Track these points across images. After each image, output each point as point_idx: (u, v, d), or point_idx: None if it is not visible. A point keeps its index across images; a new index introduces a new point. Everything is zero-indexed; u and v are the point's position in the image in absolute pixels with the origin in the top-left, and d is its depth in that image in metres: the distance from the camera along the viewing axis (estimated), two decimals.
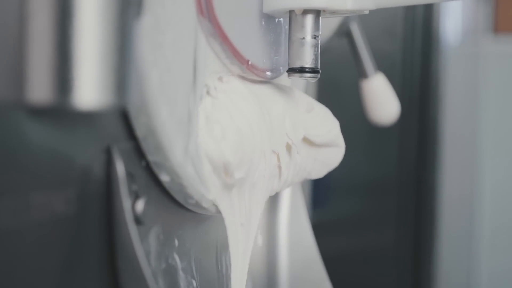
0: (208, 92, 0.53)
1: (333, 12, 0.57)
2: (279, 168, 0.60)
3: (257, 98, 0.57)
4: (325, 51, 0.57)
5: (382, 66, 1.00)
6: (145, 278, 0.48)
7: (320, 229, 0.86)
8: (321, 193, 1.41)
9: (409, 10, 1.55)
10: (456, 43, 1.78)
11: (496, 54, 2.12)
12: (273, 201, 0.78)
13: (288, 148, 0.61)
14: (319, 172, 0.68)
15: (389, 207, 1.59)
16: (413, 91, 1.59)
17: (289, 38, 0.57)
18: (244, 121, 0.54)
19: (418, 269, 1.63)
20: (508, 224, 2.04)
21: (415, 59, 1.59)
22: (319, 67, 0.57)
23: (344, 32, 0.94)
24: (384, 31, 1.51)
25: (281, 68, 0.61)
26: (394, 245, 1.61)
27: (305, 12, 0.56)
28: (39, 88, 0.38)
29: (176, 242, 0.55)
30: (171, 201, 0.54)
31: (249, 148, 0.55)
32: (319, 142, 0.64)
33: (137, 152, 0.49)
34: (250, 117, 0.55)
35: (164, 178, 0.51)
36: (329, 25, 0.89)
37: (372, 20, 0.91)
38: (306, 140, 0.63)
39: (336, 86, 1.42)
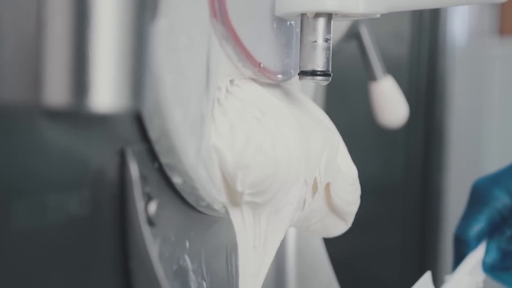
0: (227, 96, 0.53)
1: (345, 16, 0.58)
2: (304, 201, 0.58)
3: (296, 120, 0.56)
4: (333, 54, 0.58)
5: (389, 68, 1.01)
6: (158, 280, 0.48)
7: None
8: None
9: (416, 13, 1.56)
10: (462, 45, 1.78)
11: (501, 56, 2.12)
12: None
13: (314, 186, 0.59)
14: (315, 232, 0.65)
15: (395, 209, 1.59)
16: (420, 93, 1.59)
17: (301, 41, 0.57)
18: (284, 145, 0.53)
19: (424, 271, 1.63)
20: None
21: (422, 61, 1.59)
22: (330, 70, 0.57)
23: (353, 34, 0.94)
24: (391, 34, 1.51)
25: (292, 71, 0.61)
26: (400, 247, 1.61)
27: (317, 15, 0.56)
28: (56, 91, 0.39)
29: (187, 244, 0.55)
30: (183, 203, 0.54)
31: (282, 173, 0.53)
32: (339, 205, 0.62)
33: (150, 154, 0.50)
34: (292, 143, 0.54)
35: (177, 180, 0.51)
36: (338, 28, 0.89)
37: (379, 22, 0.91)
38: (327, 192, 0.61)
39: (344, 89, 1.42)
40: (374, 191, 1.58)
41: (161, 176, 0.51)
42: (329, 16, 0.57)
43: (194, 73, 0.50)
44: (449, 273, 0.78)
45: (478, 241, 0.76)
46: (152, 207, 0.49)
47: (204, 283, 0.58)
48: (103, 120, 0.45)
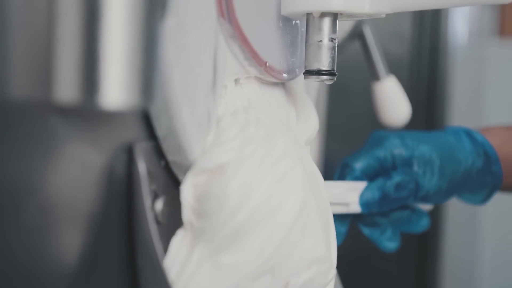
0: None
1: (350, 15, 0.58)
2: None
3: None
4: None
5: (390, 68, 1.01)
6: (165, 276, 0.48)
7: None
8: None
9: (417, 13, 1.56)
10: (463, 46, 1.79)
11: (502, 57, 2.12)
12: None
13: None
14: None
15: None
16: (420, 93, 1.59)
17: (306, 41, 0.57)
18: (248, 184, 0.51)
19: (422, 269, 1.64)
20: (510, 225, 2.04)
21: (423, 61, 1.59)
22: (335, 69, 0.57)
23: (357, 34, 0.94)
24: (393, 34, 1.52)
25: (297, 70, 0.62)
26: (399, 247, 1.61)
27: (323, 15, 0.57)
28: (67, 88, 0.39)
29: None
30: None
31: (232, 204, 0.50)
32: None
33: (157, 152, 0.50)
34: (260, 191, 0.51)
35: (183, 178, 0.51)
36: (342, 28, 0.89)
37: (380, 22, 0.92)
38: None
39: (346, 88, 1.42)
40: None
41: (168, 173, 0.51)
42: (334, 16, 0.57)
43: (202, 71, 0.50)
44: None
45: (363, 175, 0.75)
46: (159, 204, 0.49)
47: None
48: (112, 117, 0.46)
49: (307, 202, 0.53)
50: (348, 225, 0.76)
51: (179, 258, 0.50)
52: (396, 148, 0.76)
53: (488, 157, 0.80)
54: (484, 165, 0.80)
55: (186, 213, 0.50)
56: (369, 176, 0.75)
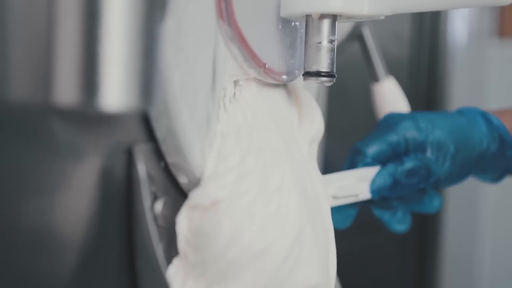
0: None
1: (349, 17, 0.58)
2: None
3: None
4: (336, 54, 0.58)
5: (389, 69, 1.01)
6: (164, 278, 0.48)
7: None
8: None
9: (416, 14, 1.56)
10: (462, 47, 1.79)
11: (501, 58, 2.12)
12: None
13: None
14: None
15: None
16: (420, 94, 1.59)
17: (306, 42, 0.58)
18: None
19: (422, 269, 1.64)
20: (510, 225, 2.04)
21: (422, 62, 1.59)
22: (335, 71, 0.58)
23: (356, 36, 0.95)
24: (392, 35, 1.52)
25: (296, 71, 0.62)
26: (398, 246, 1.62)
27: (322, 16, 0.57)
28: (66, 90, 0.39)
29: None
30: None
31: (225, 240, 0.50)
32: None
33: (156, 153, 0.50)
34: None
35: (182, 179, 0.51)
36: (341, 29, 0.90)
37: (379, 23, 0.92)
38: None
39: (346, 89, 1.43)
40: None
41: (167, 175, 0.51)
42: (334, 18, 0.57)
43: (201, 73, 0.50)
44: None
45: (375, 160, 0.74)
46: (158, 206, 0.49)
47: None
48: (111, 119, 0.46)
49: (302, 233, 0.53)
50: (358, 208, 0.75)
51: None
52: (409, 132, 0.74)
53: (503, 141, 0.78)
54: (498, 149, 0.78)
55: (181, 244, 0.50)
56: (380, 161, 0.74)
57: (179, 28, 0.47)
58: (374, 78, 0.95)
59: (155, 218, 0.49)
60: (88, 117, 0.44)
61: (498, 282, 2.05)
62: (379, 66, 0.96)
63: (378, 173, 0.72)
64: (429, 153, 0.74)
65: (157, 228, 0.48)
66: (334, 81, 0.58)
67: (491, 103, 2.08)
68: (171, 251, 0.51)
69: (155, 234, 0.48)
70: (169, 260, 0.51)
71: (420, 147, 0.74)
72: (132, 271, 0.49)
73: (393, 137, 0.74)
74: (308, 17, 0.57)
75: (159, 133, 0.49)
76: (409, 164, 0.73)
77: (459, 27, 1.74)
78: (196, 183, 0.52)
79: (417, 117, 0.76)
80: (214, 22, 0.52)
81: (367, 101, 1.00)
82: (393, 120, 0.76)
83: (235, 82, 0.56)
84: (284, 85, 0.63)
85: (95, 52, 0.39)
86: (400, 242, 1.62)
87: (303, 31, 0.60)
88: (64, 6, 0.39)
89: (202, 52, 0.50)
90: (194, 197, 0.50)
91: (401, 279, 1.64)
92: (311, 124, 0.64)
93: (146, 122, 0.49)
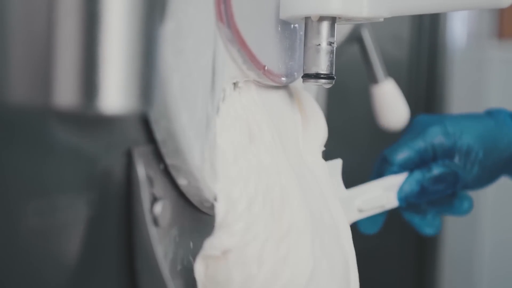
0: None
1: (348, 19, 0.58)
2: None
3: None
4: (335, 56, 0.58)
5: (389, 70, 1.01)
6: (163, 280, 0.48)
7: None
8: None
9: (416, 16, 1.56)
10: (462, 48, 1.79)
11: (500, 59, 2.12)
12: None
13: None
14: None
15: (394, 211, 1.60)
16: (419, 95, 1.59)
17: (305, 45, 0.58)
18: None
19: (421, 271, 1.64)
20: (510, 225, 2.04)
21: (421, 64, 1.59)
22: (334, 73, 0.58)
23: (355, 38, 0.95)
24: (391, 36, 1.52)
25: (295, 73, 0.62)
26: (397, 247, 1.62)
27: (321, 19, 0.57)
28: (66, 92, 0.39)
29: (191, 245, 0.56)
30: (187, 204, 0.54)
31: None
32: None
33: (156, 155, 0.50)
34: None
35: (182, 181, 0.52)
36: (341, 31, 0.90)
37: (379, 25, 0.92)
38: None
39: (345, 91, 1.43)
40: None
41: (167, 177, 0.51)
42: (333, 20, 0.57)
43: (200, 75, 0.50)
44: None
45: (402, 168, 0.74)
46: (158, 207, 0.49)
47: None
48: (111, 122, 0.46)
49: (317, 270, 0.53)
50: (386, 212, 0.75)
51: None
52: (437, 137, 0.74)
53: None
54: None
55: None
56: (408, 168, 0.74)
57: (179, 30, 0.47)
58: (373, 80, 0.96)
59: (154, 220, 0.49)
60: (87, 119, 0.44)
61: (498, 282, 2.05)
62: (378, 68, 0.96)
63: (405, 181, 0.73)
64: (457, 159, 0.74)
65: (157, 230, 0.48)
66: (333, 83, 0.58)
67: (491, 104, 2.08)
68: (171, 253, 0.51)
69: (155, 236, 0.48)
70: (168, 262, 0.51)
71: (448, 153, 0.74)
72: (132, 273, 0.49)
73: (421, 144, 0.74)
74: (307, 19, 0.57)
75: (159, 135, 0.49)
76: (436, 170, 0.73)
77: (459, 28, 1.75)
78: (195, 185, 0.52)
79: (446, 121, 0.76)
80: (214, 25, 0.52)
81: (366, 103, 1.00)
82: (421, 124, 0.76)
83: (235, 84, 0.56)
84: (284, 88, 0.63)
85: (94, 54, 0.39)
86: (399, 242, 1.62)
87: (302, 33, 0.60)
88: (64, 8, 0.39)
89: (201, 54, 0.50)
90: (207, 247, 0.51)
91: (400, 279, 1.64)
92: (318, 131, 0.63)
93: (145, 124, 0.49)
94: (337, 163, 0.68)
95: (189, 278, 0.55)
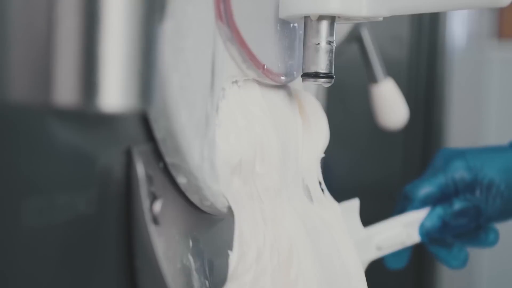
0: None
1: (347, 19, 0.58)
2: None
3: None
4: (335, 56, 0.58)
5: (389, 71, 1.01)
6: (163, 278, 0.48)
7: None
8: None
9: (415, 15, 1.56)
10: (461, 48, 1.79)
11: (500, 59, 2.13)
12: None
13: None
14: None
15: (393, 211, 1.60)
16: (419, 95, 1.60)
17: (304, 44, 0.58)
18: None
19: (421, 271, 1.64)
20: (510, 226, 2.04)
21: (421, 64, 1.59)
22: (333, 72, 0.58)
23: (354, 37, 0.95)
24: (391, 37, 1.52)
25: (294, 72, 0.62)
26: None
27: (320, 18, 0.57)
28: (66, 91, 0.39)
29: (191, 243, 0.56)
30: (187, 202, 0.55)
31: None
32: None
33: (155, 154, 0.50)
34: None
35: (181, 180, 0.52)
36: (340, 30, 0.90)
37: (378, 25, 0.92)
38: None
39: (344, 90, 1.43)
40: (372, 193, 1.58)
41: (166, 175, 0.51)
42: (332, 19, 0.57)
43: (200, 74, 0.51)
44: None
45: (424, 204, 0.75)
46: (157, 206, 0.49)
47: (207, 282, 0.58)
48: (110, 120, 0.46)
49: None
50: (411, 247, 0.75)
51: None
52: (458, 172, 0.75)
53: None
54: None
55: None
56: (430, 204, 0.75)
57: (178, 29, 0.47)
58: (373, 79, 0.96)
59: (154, 218, 0.49)
60: (87, 117, 0.44)
61: (497, 282, 2.05)
62: (377, 67, 0.96)
63: (427, 217, 0.74)
64: (478, 193, 0.74)
65: (156, 228, 0.49)
66: (332, 82, 0.58)
67: (490, 104, 2.09)
68: (170, 251, 0.52)
69: (154, 234, 0.48)
70: (167, 260, 0.51)
71: (469, 187, 0.75)
72: (131, 271, 0.49)
73: (442, 179, 0.75)
74: (306, 18, 0.58)
75: (158, 134, 0.49)
76: (458, 205, 0.73)
77: (458, 28, 1.75)
78: (195, 183, 0.52)
79: (467, 155, 0.76)
80: (213, 24, 0.52)
81: (365, 103, 1.00)
82: (443, 159, 0.76)
83: (234, 83, 0.56)
84: (284, 89, 0.63)
85: (94, 53, 0.39)
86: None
87: (301, 32, 0.60)
88: (63, 7, 0.39)
89: (201, 53, 0.50)
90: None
91: (400, 279, 1.64)
92: (319, 136, 0.64)
93: (145, 122, 0.49)
94: (355, 204, 0.69)
95: (188, 276, 0.55)
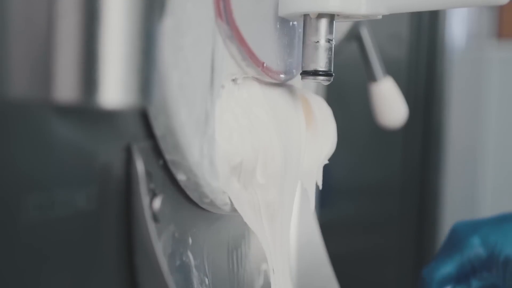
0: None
1: (347, 17, 0.58)
2: None
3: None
4: (334, 54, 0.58)
5: (388, 70, 1.01)
6: (162, 275, 0.49)
7: (323, 230, 0.87)
8: (325, 194, 1.42)
9: (415, 14, 1.56)
10: (461, 48, 1.79)
11: (499, 59, 2.13)
12: None
13: None
14: None
15: (393, 209, 1.60)
16: (418, 95, 1.60)
17: (303, 42, 0.58)
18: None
19: (421, 269, 1.64)
20: None
21: (421, 63, 1.59)
22: (332, 70, 0.58)
23: (354, 36, 0.95)
24: (390, 36, 1.52)
25: (294, 70, 0.62)
26: (397, 247, 1.62)
27: (320, 16, 0.57)
28: (66, 88, 0.39)
29: (190, 240, 0.56)
30: (186, 199, 0.55)
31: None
32: None
33: (155, 151, 0.51)
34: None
35: (181, 177, 0.52)
36: (339, 29, 0.90)
37: (378, 24, 0.92)
38: None
39: (343, 89, 1.43)
40: (371, 192, 1.59)
41: (166, 172, 0.52)
42: (331, 17, 0.57)
43: (199, 71, 0.51)
44: None
45: (441, 286, 0.74)
46: (157, 203, 0.50)
47: (206, 279, 0.59)
48: (110, 117, 0.46)
49: None
50: None
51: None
52: (474, 250, 0.74)
53: None
54: None
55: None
56: (447, 285, 0.75)
57: (178, 27, 0.47)
58: (372, 78, 0.96)
59: (153, 215, 0.49)
60: (87, 114, 0.44)
61: None
62: (377, 66, 0.96)
63: None
64: (494, 271, 0.73)
65: (156, 225, 0.49)
66: (332, 80, 0.58)
67: (490, 104, 2.09)
68: (169, 248, 0.52)
69: (154, 231, 0.48)
70: (167, 257, 0.51)
71: (486, 265, 0.74)
72: (131, 268, 0.49)
73: (458, 260, 0.74)
74: (305, 16, 0.58)
75: (158, 131, 0.50)
76: (475, 285, 0.73)
77: (458, 28, 1.75)
78: (194, 180, 0.52)
79: (483, 229, 0.74)
80: (213, 22, 0.52)
81: (364, 101, 1.01)
82: (458, 235, 0.75)
83: (233, 81, 0.57)
84: (285, 88, 0.63)
85: (94, 50, 0.39)
86: (398, 243, 1.62)
87: (301, 30, 0.60)
88: (63, 4, 0.39)
89: (200, 51, 0.51)
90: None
91: (400, 279, 1.64)
92: (326, 140, 0.64)
93: (145, 119, 0.49)
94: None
95: (188, 273, 0.55)
